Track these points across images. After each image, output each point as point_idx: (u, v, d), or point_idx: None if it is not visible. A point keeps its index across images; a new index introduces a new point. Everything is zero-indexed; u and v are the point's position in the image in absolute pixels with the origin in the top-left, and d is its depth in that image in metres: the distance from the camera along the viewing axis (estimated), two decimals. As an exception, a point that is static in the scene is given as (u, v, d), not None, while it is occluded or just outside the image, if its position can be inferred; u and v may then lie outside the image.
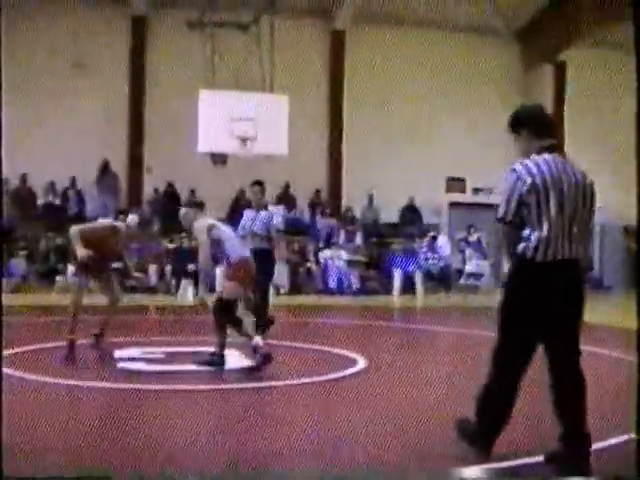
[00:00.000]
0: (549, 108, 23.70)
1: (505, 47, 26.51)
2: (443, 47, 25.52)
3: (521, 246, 4.88)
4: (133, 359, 8.90)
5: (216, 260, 8.70)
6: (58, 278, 20.00)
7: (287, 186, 24.43)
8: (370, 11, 24.69)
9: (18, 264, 20.11)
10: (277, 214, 11.52)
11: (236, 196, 23.88)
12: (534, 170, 4.84)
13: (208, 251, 8.48)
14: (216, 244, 8.54)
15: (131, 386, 7.56)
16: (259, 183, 11.66)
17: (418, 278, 21.89)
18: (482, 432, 5.07)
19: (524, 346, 4.98)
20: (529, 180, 4.81)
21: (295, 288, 21.44)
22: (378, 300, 20.32)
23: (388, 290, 21.90)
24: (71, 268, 9.15)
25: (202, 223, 8.73)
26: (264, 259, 10.90)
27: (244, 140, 18.09)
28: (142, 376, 8.06)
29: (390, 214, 24.94)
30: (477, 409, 5.13)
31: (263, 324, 10.74)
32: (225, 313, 8.31)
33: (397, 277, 21.95)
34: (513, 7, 25.30)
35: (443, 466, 5.05)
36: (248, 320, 8.13)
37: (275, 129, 18.11)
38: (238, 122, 18.08)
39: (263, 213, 11.40)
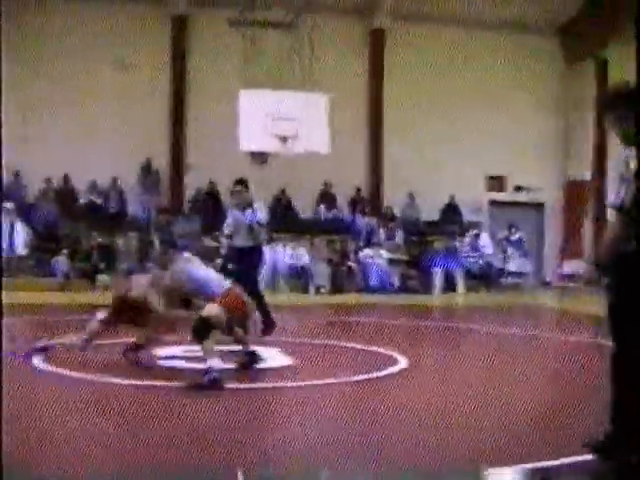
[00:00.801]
0: (591, 105, 23.53)
1: (546, 43, 26.25)
2: (483, 44, 25.35)
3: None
4: (173, 357, 8.92)
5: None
6: (100, 276, 20.17)
7: (327, 185, 24.40)
8: (410, 9, 24.58)
9: (61, 263, 20.27)
10: (259, 210, 11.48)
11: (277, 195, 23.90)
12: None
13: None
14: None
15: (170, 384, 7.57)
16: (241, 182, 11.66)
17: (459, 277, 21.77)
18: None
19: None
20: None
21: (336, 287, 21.41)
22: (419, 299, 20.22)
23: (429, 289, 21.79)
24: (100, 315, 8.88)
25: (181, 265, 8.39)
26: (250, 254, 10.98)
27: (284, 139, 18.13)
28: (181, 374, 8.07)
29: (430, 212, 24.79)
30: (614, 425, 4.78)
31: (270, 323, 10.75)
32: (202, 331, 8.00)
33: (438, 276, 21.83)
34: (555, 3, 25.07)
35: (482, 466, 5.00)
36: (213, 341, 7.83)
37: (315, 128, 18.13)
38: (278, 121, 18.13)
39: (249, 211, 11.36)
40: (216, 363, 7.50)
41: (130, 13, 23.21)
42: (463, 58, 25.08)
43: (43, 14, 22.70)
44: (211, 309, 7.75)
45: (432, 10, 24.68)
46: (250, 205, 11.51)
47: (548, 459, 5.00)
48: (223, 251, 12.54)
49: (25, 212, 21.73)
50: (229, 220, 11.66)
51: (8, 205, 20.83)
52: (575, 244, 24.58)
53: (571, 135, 26.12)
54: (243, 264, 11.23)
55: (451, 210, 24.91)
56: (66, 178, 22.88)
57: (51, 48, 22.72)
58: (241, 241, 11.31)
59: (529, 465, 4.90)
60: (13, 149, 22.08)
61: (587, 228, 24.01)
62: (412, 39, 24.79)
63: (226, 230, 11.62)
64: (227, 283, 8.18)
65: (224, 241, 12.13)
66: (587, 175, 24.78)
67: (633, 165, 4.44)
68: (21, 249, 20.64)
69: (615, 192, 4.48)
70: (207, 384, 7.31)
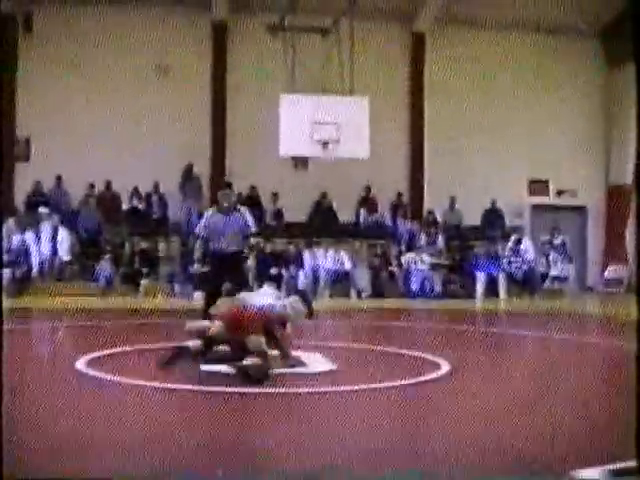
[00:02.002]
0: (634, 106, 23.16)
1: (588, 46, 26.04)
2: (524, 47, 25.22)
3: None
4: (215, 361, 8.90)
5: None
6: (142, 281, 20.30)
7: (369, 189, 24.37)
8: (451, 13, 24.49)
9: (103, 268, 20.42)
10: (248, 215, 11.46)
11: (318, 199, 23.91)
12: None
13: None
14: None
15: (213, 389, 7.57)
16: (229, 185, 11.72)
17: (501, 282, 21.61)
18: None
19: None
20: None
21: (377, 292, 21.36)
22: (460, 304, 20.11)
23: (471, 294, 21.66)
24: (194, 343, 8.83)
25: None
26: (236, 260, 10.98)
27: (325, 143, 18.14)
28: (224, 379, 8.07)
29: (472, 217, 24.65)
30: None
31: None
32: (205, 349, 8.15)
33: (480, 280, 21.70)
34: (596, 6, 24.84)
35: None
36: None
37: (356, 132, 18.11)
38: (319, 126, 18.14)
39: (235, 215, 11.30)
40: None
41: (172, 19, 23.35)
42: (504, 61, 24.96)
43: (87, 19, 22.90)
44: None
45: (472, 13, 24.59)
46: (236, 209, 11.49)
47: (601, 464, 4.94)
48: (197, 254, 12.31)
49: (68, 218, 21.92)
50: (205, 222, 11.56)
51: (42, 209, 21.08)
52: (618, 249, 24.37)
53: (613, 138, 25.86)
54: (227, 268, 11.26)
55: (493, 214, 24.75)
56: (108, 184, 23.05)
57: (94, 54, 22.92)
58: (225, 245, 11.24)
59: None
60: (56, 155, 22.42)
61: (629, 233, 23.93)
62: (453, 43, 24.70)
63: (202, 232, 11.57)
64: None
65: (198, 243, 11.98)
66: (629, 179, 24.53)
67: None
68: (65, 255, 20.83)
69: None
70: (254, 378, 7.56)
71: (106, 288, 20.07)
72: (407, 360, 9.35)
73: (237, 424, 6.26)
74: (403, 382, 7.98)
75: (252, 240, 12.01)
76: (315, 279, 21.06)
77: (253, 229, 11.68)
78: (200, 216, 22.75)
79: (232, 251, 11.21)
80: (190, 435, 5.84)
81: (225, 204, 11.50)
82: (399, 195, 24.81)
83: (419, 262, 21.81)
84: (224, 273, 11.22)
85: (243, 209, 11.63)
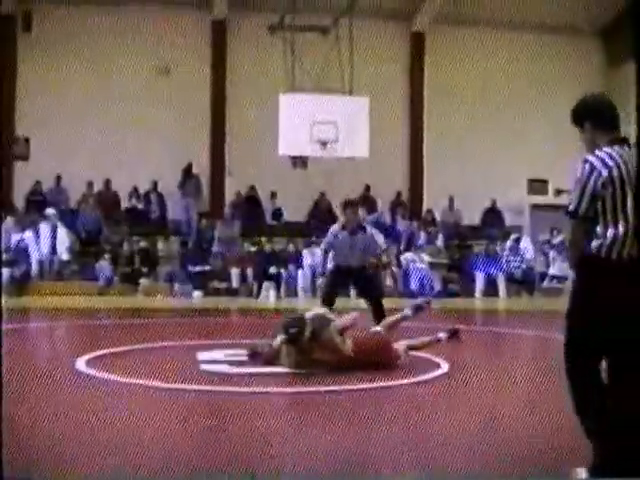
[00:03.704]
0: (633, 105, 23.14)
1: (588, 45, 26.07)
2: (524, 47, 25.21)
3: (595, 244, 4.45)
4: (215, 361, 8.91)
5: None
6: (142, 281, 20.29)
7: (367, 188, 24.37)
8: (450, 12, 24.49)
9: (103, 267, 20.40)
10: (377, 236, 11.29)
11: (317, 199, 23.92)
12: (609, 162, 4.50)
13: None
14: None
15: (213, 388, 7.57)
16: (354, 204, 11.47)
17: (500, 281, 21.62)
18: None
19: (601, 352, 4.55)
20: (605, 172, 4.46)
21: (376, 291, 21.30)
22: (460, 303, 20.10)
23: (470, 293, 21.67)
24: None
25: None
26: (365, 275, 10.96)
27: (324, 143, 18.13)
28: (224, 378, 8.08)
29: (471, 216, 24.66)
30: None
31: None
32: None
33: (479, 280, 21.71)
34: (596, 5, 24.84)
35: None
36: None
37: (356, 131, 18.12)
38: (319, 125, 18.13)
39: (363, 237, 11.13)
40: None
41: (172, 19, 23.33)
42: (504, 61, 24.94)
43: (86, 19, 22.88)
44: None
45: (472, 13, 24.59)
46: (362, 228, 11.31)
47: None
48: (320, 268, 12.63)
49: (67, 217, 21.90)
50: (331, 240, 11.25)
51: (50, 210, 21.05)
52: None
53: (613, 138, 25.82)
54: (356, 283, 11.57)
55: (492, 214, 24.76)
56: (108, 183, 23.05)
57: (93, 53, 22.90)
58: (352, 262, 11.02)
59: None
60: (55, 154, 22.41)
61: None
62: (452, 42, 24.71)
63: (327, 249, 11.42)
64: None
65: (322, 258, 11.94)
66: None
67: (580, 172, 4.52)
68: (64, 254, 20.81)
69: (574, 200, 4.50)
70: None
71: (105, 287, 20.05)
72: (406, 359, 9.32)
73: (237, 424, 6.26)
74: (401, 382, 7.98)
75: (384, 257, 11.69)
76: (314, 279, 21.05)
77: (383, 247, 11.54)
78: (200, 216, 22.96)
79: (358, 266, 11.00)
80: (190, 435, 5.85)
81: (351, 224, 11.18)
82: (398, 194, 24.82)
83: (418, 261, 21.81)
84: (351, 286, 11.28)
85: (372, 230, 11.43)
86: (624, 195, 4.44)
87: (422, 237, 23.24)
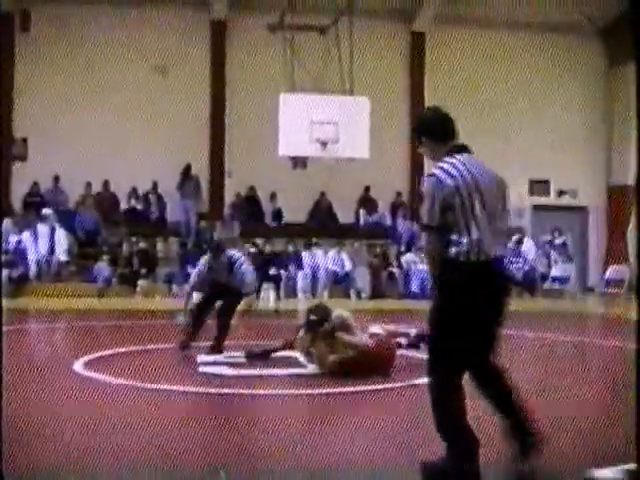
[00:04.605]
0: (634, 106, 23.09)
1: (588, 45, 26.02)
2: (525, 47, 25.15)
3: (453, 250, 4.71)
4: (215, 363, 8.86)
5: None
6: (140, 282, 20.20)
7: (368, 189, 24.30)
8: (450, 12, 24.43)
9: (101, 268, 20.31)
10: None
11: (317, 199, 23.86)
12: (454, 172, 4.77)
13: None
14: None
15: (212, 390, 7.52)
16: None
17: (501, 282, 21.51)
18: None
19: (468, 348, 4.79)
20: (451, 183, 4.72)
21: (377, 292, 21.26)
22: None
23: (471, 294, 21.56)
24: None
25: None
26: None
27: (324, 143, 18.03)
28: (224, 380, 8.02)
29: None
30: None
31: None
32: None
33: (480, 281, 21.59)
34: (597, 5, 24.79)
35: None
36: None
37: (356, 132, 18.01)
38: (318, 125, 18.04)
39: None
40: None
41: (171, 18, 23.26)
42: (504, 61, 24.90)
43: (84, 19, 22.82)
44: None
45: (472, 13, 24.54)
46: None
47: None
48: None
49: (66, 218, 21.81)
50: None
51: (48, 211, 20.98)
52: (619, 249, 24.28)
53: (614, 138, 25.81)
54: None
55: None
56: (106, 184, 22.97)
57: (92, 53, 22.82)
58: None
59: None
60: (54, 155, 22.32)
61: (630, 233, 23.89)
62: (453, 42, 24.63)
63: None
64: None
65: None
66: (630, 179, 24.46)
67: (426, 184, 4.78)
68: (62, 255, 20.73)
69: (426, 213, 4.77)
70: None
71: (104, 289, 19.96)
72: (406, 362, 9.24)
73: (235, 425, 6.22)
74: (401, 384, 7.93)
75: None
76: (314, 280, 20.97)
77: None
78: (199, 217, 22.88)
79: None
80: (189, 436, 5.79)
81: None
82: (398, 195, 24.75)
83: (419, 262, 21.70)
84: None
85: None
86: (472, 202, 4.72)
87: (423, 238, 23.13)
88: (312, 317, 8.48)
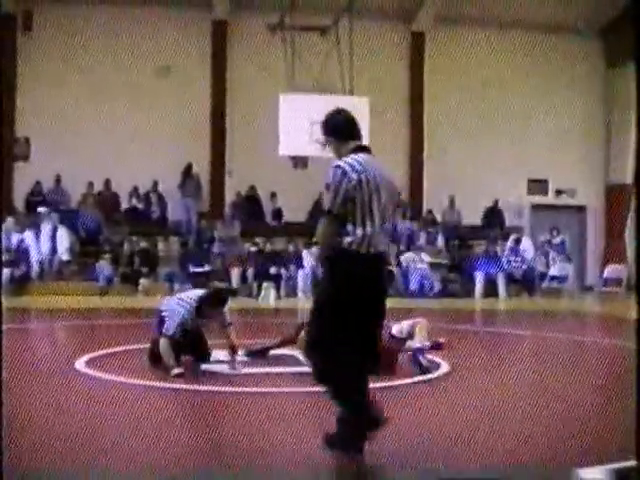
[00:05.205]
0: (633, 106, 23.08)
1: (588, 46, 26.03)
2: (524, 47, 25.16)
3: (347, 240, 5.04)
4: (215, 361, 8.90)
5: None
6: (142, 281, 20.27)
7: (368, 189, 24.30)
8: (450, 12, 24.45)
9: (103, 267, 20.38)
10: None
11: (317, 199, 23.89)
12: (358, 167, 5.10)
13: None
14: None
15: (213, 388, 7.58)
16: None
17: (500, 281, 21.61)
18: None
19: (354, 331, 5.11)
20: (355, 177, 5.05)
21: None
22: (460, 303, 20.09)
23: (470, 293, 21.66)
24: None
25: None
26: None
27: (325, 143, 18.08)
28: (224, 378, 8.08)
29: (472, 216, 24.63)
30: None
31: None
32: None
33: (479, 280, 21.69)
34: (596, 5, 24.82)
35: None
36: None
37: (356, 131, 18.04)
38: (319, 125, 18.07)
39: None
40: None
41: (172, 19, 23.30)
42: (503, 61, 24.93)
43: (86, 19, 22.87)
44: None
45: (472, 13, 24.56)
46: None
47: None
48: None
49: (67, 217, 21.88)
50: None
51: (44, 209, 21.05)
52: (617, 248, 24.35)
53: (612, 138, 25.85)
54: None
55: (493, 214, 24.73)
56: (108, 183, 23.03)
57: (94, 53, 22.88)
58: None
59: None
60: (56, 154, 22.40)
61: (629, 232, 23.92)
62: (452, 42, 24.68)
63: None
64: None
65: None
66: (629, 178, 24.54)
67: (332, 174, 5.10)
68: (64, 254, 20.80)
69: (329, 199, 5.08)
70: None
71: (105, 287, 20.04)
72: (406, 359, 9.32)
73: (234, 423, 6.26)
74: (402, 382, 7.98)
75: None
76: (314, 280, 21.03)
77: None
78: (200, 216, 22.93)
79: None
80: (189, 434, 5.85)
81: None
82: (398, 194, 24.71)
83: (418, 261, 21.79)
84: None
85: None
86: (371, 199, 5.09)
87: (422, 237, 23.23)
88: None
